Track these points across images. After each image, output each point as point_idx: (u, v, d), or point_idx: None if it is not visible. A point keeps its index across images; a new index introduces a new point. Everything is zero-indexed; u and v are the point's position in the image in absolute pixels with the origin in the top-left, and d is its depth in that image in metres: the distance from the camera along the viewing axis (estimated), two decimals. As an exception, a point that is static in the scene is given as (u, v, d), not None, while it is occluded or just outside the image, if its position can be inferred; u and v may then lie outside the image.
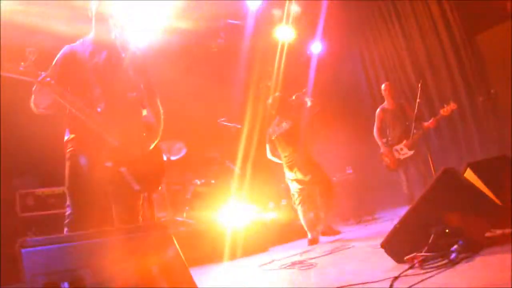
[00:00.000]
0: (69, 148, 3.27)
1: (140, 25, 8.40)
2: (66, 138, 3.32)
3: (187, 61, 9.33)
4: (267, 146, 6.61)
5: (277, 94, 6.88)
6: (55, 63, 3.34)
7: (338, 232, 6.34)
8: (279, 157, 6.50)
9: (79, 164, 3.19)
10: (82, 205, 3.12)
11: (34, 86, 3.07)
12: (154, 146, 3.50)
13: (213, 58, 9.68)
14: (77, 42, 3.45)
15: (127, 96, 3.36)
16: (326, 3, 9.53)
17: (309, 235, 6.20)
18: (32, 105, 3.20)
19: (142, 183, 3.23)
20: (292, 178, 6.37)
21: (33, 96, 3.14)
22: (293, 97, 6.47)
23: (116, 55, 3.37)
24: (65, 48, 3.39)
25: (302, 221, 6.30)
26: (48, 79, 3.01)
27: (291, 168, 6.33)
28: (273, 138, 6.49)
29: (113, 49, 3.38)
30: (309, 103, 6.40)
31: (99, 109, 3.20)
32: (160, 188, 3.72)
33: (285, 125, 6.43)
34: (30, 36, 5.36)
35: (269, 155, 6.63)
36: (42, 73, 3.03)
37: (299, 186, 6.33)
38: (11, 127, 5.89)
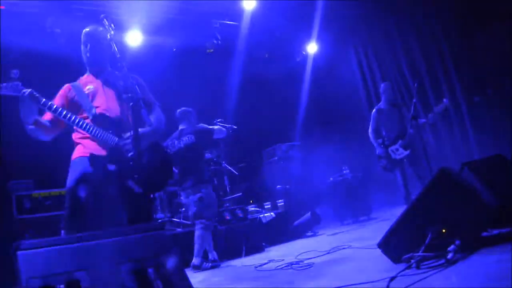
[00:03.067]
0: (73, 156, 3.33)
1: (135, 27, 8.42)
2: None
3: (183, 63, 9.34)
4: None
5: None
6: (55, 97, 3.43)
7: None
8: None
9: (79, 168, 3.19)
10: (80, 208, 3.11)
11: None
12: (158, 146, 3.51)
13: (209, 59, 9.68)
14: (76, 81, 3.56)
15: (122, 97, 3.38)
16: (322, 3, 9.54)
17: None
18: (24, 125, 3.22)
19: (143, 185, 3.21)
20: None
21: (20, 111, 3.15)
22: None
23: (111, 79, 3.51)
24: (65, 86, 3.50)
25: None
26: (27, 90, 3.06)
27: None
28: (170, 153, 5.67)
29: (106, 75, 3.53)
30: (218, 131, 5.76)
31: (91, 117, 3.26)
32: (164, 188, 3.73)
33: (186, 139, 5.75)
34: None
35: None
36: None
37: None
38: (8, 130, 5.88)
